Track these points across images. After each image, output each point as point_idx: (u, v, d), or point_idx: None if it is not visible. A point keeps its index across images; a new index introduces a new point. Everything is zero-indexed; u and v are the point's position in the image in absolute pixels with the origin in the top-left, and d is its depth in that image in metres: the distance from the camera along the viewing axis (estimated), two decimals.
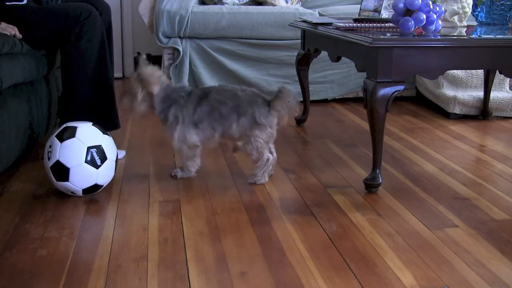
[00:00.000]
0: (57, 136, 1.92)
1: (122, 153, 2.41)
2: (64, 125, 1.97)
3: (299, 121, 3.03)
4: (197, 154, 2.13)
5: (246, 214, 1.84)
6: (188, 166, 2.15)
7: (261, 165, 2.10)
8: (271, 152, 2.15)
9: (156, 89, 2.04)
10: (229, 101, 2.04)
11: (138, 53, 4.35)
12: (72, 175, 1.88)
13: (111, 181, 2.04)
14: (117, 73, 4.38)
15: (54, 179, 1.91)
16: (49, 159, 1.90)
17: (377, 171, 2.05)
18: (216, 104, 2.04)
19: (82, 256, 1.54)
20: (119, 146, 2.42)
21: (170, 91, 2.08)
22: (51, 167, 1.89)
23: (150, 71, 2.05)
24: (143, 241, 1.64)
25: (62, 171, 1.88)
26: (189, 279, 1.43)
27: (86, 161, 1.88)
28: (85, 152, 1.89)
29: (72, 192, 1.93)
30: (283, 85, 2.10)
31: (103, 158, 1.92)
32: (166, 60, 3.48)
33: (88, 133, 1.94)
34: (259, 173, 2.11)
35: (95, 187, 1.94)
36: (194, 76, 3.46)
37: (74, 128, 1.93)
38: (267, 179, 2.13)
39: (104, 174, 1.94)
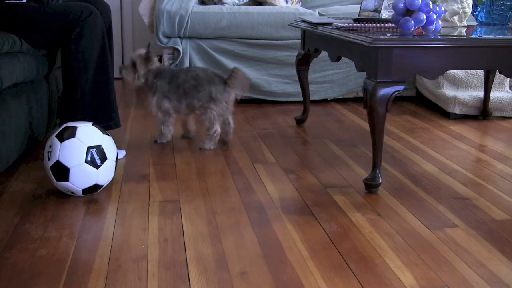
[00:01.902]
0: (57, 136, 1.92)
1: (122, 153, 2.41)
2: (64, 125, 1.97)
3: (299, 121, 3.03)
4: (170, 121, 2.55)
5: (246, 214, 1.84)
6: (162, 129, 2.56)
7: (210, 135, 2.51)
8: (229, 123, 2.57)
9: (155, 66, 2.54)
10: (192, 80, 2.49)
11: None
12: (72, 175, 1.88)
13: (111, 181, 2.04)
14: (117, 73, 4.38)
15: (54, 179, 1.91)
16: (49, 159, 1.90)
17: (377, 171, 2.05)
18: (182, 83, 2.50)
19: (82, 256, 1.54)
20: (119, 146, 2.42)
21: (161, 68, 2.58)
22: (51, 167, 1.90)
23: (150, 53, 2.53)
24: (143, 241, 1.64)
25: (62, 171, 1.88)
26: (189, 279, 1.43)
27: (86, 161, 1.88)
28: (85, 152, 1.89)
29: (72, 192, 1.93)
30: (234, 67, 2.59)
31: (103, 158, 1.92)
32: (166, 60, 3.48)
33: (88, 133, 1.94)
34: (207, 141, 2.52)
35: (95, 187, 1.94)
36: None
37: (74, 128, 1.93)
38: (212, 147, 2.52)
39: (104, 174, 1.94)
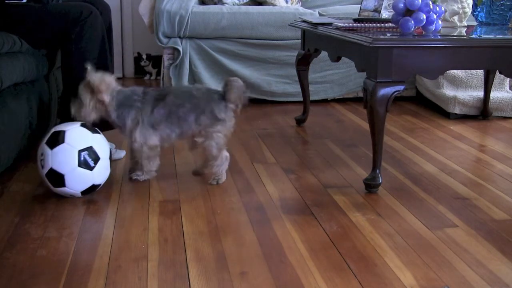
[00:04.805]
0: (47, 143, 1.89)
1: (122, 153, 2.41)
2: (52, 130, 1.93)
3: (299, 121, 3.03)
4: (157, 154, 2.11)
5: (246, 214, 1.84)
6: (148, 166, 2.11)
7: (221, 163, 2.09)
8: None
9: (106, 97, 1.99)
10: (186, 103, 2.04)
11: (138, 53, 4.36)
12: (68, 180, 1.87)
13: (111, 181, 2.05)
14: (117, 73, 4.39)
15: (51, 186, 1.90)
16: (42, 167, 1.88)
17: (377, 171, 2.04)
18: (173, 108, 2.03)
19: (82, 256, 1.54)
20: (119, 146, 2.43)
21: (123, 97, 2.03)
22: (46, 175, 1.88)
23: (99, 79, 1.99)
24: (143, 241, 1.64)
25: (57, 177, 1.87)
26: (189, 279, 1.43)
27: (79, 165, 1.87)
28: (76, 156, 1.86)
29: (71, 195, 1.93)
30: (228, 77, 2.12)
31: (96, 159, 1.91)
32: (166, 60, 3.48)
33: (77, 136, 1.90)
34: (219, 171, 2.10)
35: (93, 187, 1.94)
36: (194, 76, 3.46)
37: (63, 133, 1.89)
38: (225, 177, 2.12)
39: (99, 174, 1.93)
